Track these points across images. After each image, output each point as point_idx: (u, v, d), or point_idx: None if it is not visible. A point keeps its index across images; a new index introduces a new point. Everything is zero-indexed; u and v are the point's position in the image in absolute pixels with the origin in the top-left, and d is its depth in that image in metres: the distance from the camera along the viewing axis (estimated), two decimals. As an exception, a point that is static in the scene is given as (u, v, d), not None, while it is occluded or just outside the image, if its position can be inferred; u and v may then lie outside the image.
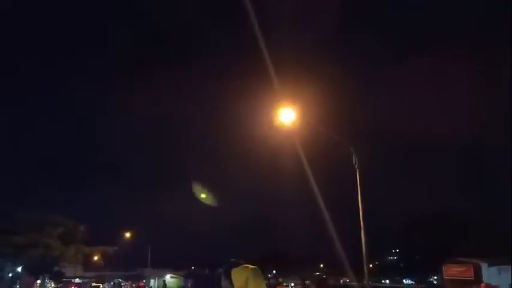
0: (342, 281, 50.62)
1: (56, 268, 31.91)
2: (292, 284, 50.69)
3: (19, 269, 27.04)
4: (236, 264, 4.34)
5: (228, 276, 4.28)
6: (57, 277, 36.45)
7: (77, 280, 51.04)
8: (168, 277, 48.56)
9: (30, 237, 23.71)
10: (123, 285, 52.03)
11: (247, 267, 4.36)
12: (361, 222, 18.06)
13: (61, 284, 37.52)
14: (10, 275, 28.73)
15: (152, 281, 55.74)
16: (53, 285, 35.43)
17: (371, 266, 20.22)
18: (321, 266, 66.43)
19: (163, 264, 54.26)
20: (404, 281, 53.26)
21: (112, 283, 50.92)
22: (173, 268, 50.91)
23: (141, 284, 46.36)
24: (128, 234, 43.75)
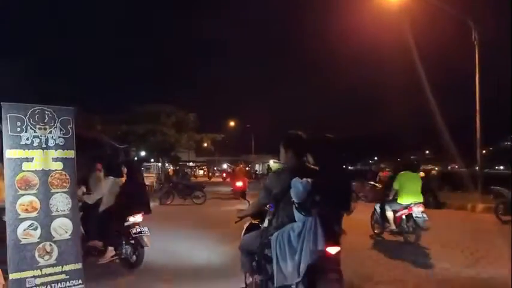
0: (449, 167, 49.05)
1: (173, 153, 35.53)
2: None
3: (143, 153, 30.60)
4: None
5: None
6: (174, 161, 40.99)
7: (191, 164, 56.92)
8: (271, 162, 51.53)
9: (149, 126, 26.27)
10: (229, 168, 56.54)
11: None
12: (477, 105, 16.50)
13: (178, 167, 42.06)
14: (135, 159, 32.89)
15: (257, 165, 59.94)
16: (171, 167, 39.88)
17: (484, 152, 18.84)
18: (427, 152, 64.58)
19: (267, 151, 57.30)
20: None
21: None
22: (276, 154, 53.70)
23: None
24: (233, 123, 46.45)
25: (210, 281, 5.78)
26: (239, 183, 19.86)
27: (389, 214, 8.49)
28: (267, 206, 3.73)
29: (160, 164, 35.01)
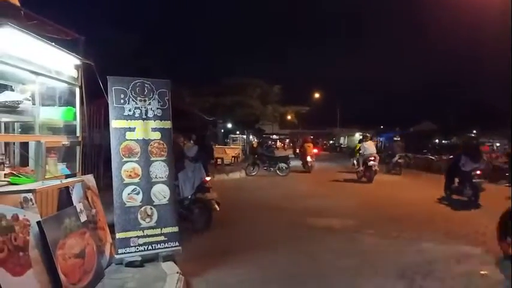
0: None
1: (257, 125, 36.12)
2: (498, 144, 45.97)
3: (229, 125, 31.49)
4: None
5: None
6: (258, 133, 41.72)
7: (274, 136, 57.49)
8: (357, 135, 50.19)
9: (236, 98, 26.79)
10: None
11: None
12: None
13: (261, 139, 42.81)
14: (222, 131, 33.99)
15: (342, 138, 58.72)
16: (255, 139, 40.69)
17: None
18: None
19: (352, 124, 55.69)
20: None
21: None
22: (361, 127, 51.85)
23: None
24: (317, 95, 45.70)
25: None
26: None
27: None
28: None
29: (245, 136, 35.85)
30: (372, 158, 15.01)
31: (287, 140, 60.36)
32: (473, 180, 9.78)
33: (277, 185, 14.85)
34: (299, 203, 10.30)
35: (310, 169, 19.82)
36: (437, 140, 38.08)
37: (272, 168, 18.30)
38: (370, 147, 15.60)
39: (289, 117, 37.32)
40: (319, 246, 6.21)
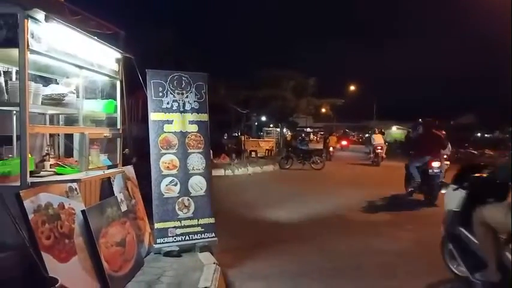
0: None
1: (291, 118, 35.85)
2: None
3: (263, 118, 31.52)
4: None
5: None
6: (292, 126, 41.45)
7: (308, 129, 56.99)
8: (394, 128, 49.01)
9: (270, 91, 26.64)
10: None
11: None
12: None
13: (295, 132, 42.51)
14: (256, 124, 34.06)
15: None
16: (289, 132, 40.46)
17: None
18: None
19: (389, 116, 54.25)
20: None
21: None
22: (399, 120, 50.44)
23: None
24: (353, 87, 44.81)
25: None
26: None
27: None
28: None
29: (279, 129, 35.72)
30: (379, 147, 19.40)
31: (320, 133, 59.78)
32: None
33: (311, 177, 14.77)
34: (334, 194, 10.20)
35: (330, 158, 22.92)
36: (479, 134, 36.67)
37: (306, 162, 18.18)
38: (378, 138, 19.84)
39: (323, 110, 36.76)
40: (354, 238, 6.15)
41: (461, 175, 4.30)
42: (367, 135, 59.45)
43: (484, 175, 3.95)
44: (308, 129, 56.97)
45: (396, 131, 47.17)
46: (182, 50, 18.89)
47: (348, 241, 6.05)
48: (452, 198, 4.21)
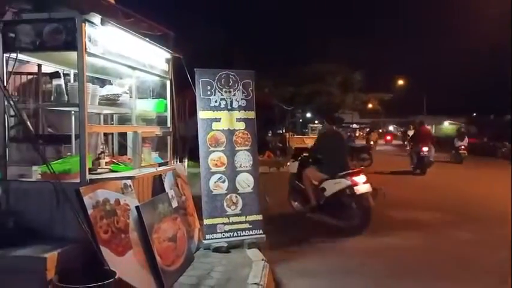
0: None
1: (337, 114, 35.30)
2: None
3: (308, 115, 31.28)
4: None
5: None
6: (338, 122, 40.75)
7: (354, 125, 55.76)
8: (446, 124, 46.99)
9: (314, 87, 26.42)
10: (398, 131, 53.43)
11: None
12: None
13: (340, 128, 41.77)
14: (301, 120, 33.82)
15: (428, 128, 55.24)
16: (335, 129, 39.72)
17: None
18: None
19: (440, 111, 51.99)
20: None
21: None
22: (451, 115, 48.23)
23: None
24: (402, 81, 43.26)
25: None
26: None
27: None
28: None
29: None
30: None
31: (367, 130, 58.32)
32: None
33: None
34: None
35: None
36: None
37: (354, 159, 17.79)
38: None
39: (370, 105, 35.88)
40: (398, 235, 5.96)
41: (296, 154, 7.60)
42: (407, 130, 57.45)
43: (306, 154, 7.18)
44: (354, 125, 55.73)
45: (448, 126, 45.19)
46: (230, 49, 19.11)
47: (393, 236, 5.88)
48: (292, 166, 7.43)
